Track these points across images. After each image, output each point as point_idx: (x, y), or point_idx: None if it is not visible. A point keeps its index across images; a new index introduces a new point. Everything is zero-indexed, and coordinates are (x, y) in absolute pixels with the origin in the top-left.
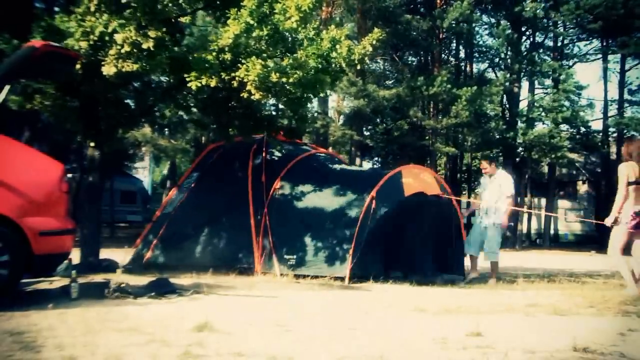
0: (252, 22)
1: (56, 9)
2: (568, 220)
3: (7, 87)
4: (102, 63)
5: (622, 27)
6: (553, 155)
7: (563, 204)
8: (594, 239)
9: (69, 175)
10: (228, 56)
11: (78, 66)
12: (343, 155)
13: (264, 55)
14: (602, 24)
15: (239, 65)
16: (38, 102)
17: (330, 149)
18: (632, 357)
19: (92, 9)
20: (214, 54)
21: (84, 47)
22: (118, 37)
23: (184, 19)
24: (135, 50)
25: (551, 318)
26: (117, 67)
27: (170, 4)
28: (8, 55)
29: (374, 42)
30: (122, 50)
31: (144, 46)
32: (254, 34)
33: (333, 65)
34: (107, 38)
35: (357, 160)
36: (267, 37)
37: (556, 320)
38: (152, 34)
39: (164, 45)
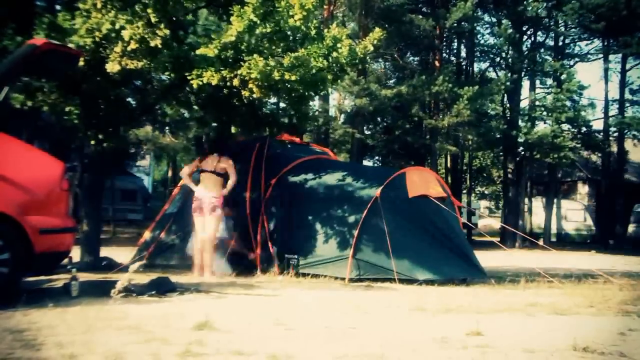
0: (255, 19)
1: (57, 7)
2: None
3: (7, 87)
4: (106, 60)
5: (624, 27)
6: (555, 155)
7: (565, 203)
8: (595, 239)
9: (70, 173)
10: (230, 53)
11: (81, 63)
12: (344, 155)
13: (266, 53)
14: (605, 24)
15: (241, 63)
16: (40, 100)
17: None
18: (632, 356)
19: (99, 5)
20: (216, 51)
21: (89, 44)
22: (125, 34)
23: (187, 17)
24: (142, 46)
25: (551, 318)
26: (122, 64)
27: (177, 3)
28: (11, 53)
29: (375, 41)
30: (128, 48)
31: (152, 44)
32: (257, 31)
33: (334, 65)
34: (113, 35)
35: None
36: (269, 35)
37: (556, 319)
38: (160, 32)
39: (169, 44)
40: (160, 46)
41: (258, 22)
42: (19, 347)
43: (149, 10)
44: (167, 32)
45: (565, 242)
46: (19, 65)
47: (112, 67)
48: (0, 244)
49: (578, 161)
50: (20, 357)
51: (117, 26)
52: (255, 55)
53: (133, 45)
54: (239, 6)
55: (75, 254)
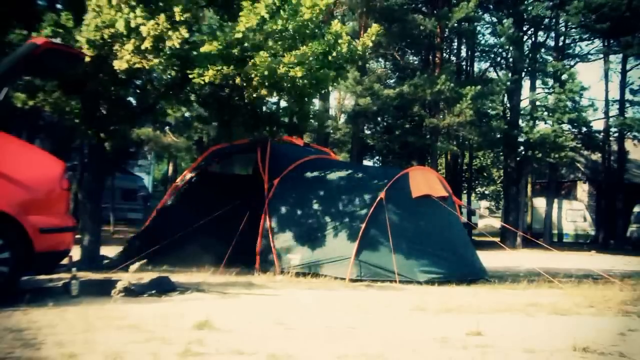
0: (266, 15)
1: (58, 6)
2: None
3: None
4: (111, 58)
5: (625, 27)
6: (556, 155)
7: (566, 203)
8: (595, 239)
9: (70, 172)
10: (236, 51)
11: (87, 59)
12: (344, 155)
13: (271, 50)
14: (608, 24)
15: (246, 60)
16: (41, 99)
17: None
18: (632, 357)
19: (114, 2)
20: (220, 48)
21: (97, 40)
22: (144, 29)
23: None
24: (157, 44)
25: (551, 318)
26: (129, 63)
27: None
28: (14, 49)
29: (374, 37)
30: (142, 47)
31: (168, 44)
32: (265, 27)
33: (335, 62)
34: (125, 32)
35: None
36: (278, 32)
37: (556, 320)
38: (178, 35)
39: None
40: (177, 46)
41: (268, 18)
42: (19, 346)
43: (176, 9)
44: (186, 34)
45: (565, 242)
46: (20, 64)
47: (119, 64)
48: (1, 243)
49: (579, 161)
50: (21, 356)
51: (132, 24)
52: (261, 52)
53: (148, 43)
54: (251, 1)
55: (76, 253)
